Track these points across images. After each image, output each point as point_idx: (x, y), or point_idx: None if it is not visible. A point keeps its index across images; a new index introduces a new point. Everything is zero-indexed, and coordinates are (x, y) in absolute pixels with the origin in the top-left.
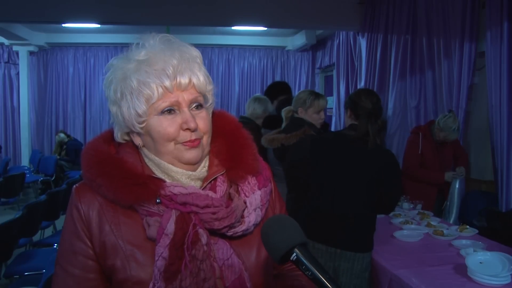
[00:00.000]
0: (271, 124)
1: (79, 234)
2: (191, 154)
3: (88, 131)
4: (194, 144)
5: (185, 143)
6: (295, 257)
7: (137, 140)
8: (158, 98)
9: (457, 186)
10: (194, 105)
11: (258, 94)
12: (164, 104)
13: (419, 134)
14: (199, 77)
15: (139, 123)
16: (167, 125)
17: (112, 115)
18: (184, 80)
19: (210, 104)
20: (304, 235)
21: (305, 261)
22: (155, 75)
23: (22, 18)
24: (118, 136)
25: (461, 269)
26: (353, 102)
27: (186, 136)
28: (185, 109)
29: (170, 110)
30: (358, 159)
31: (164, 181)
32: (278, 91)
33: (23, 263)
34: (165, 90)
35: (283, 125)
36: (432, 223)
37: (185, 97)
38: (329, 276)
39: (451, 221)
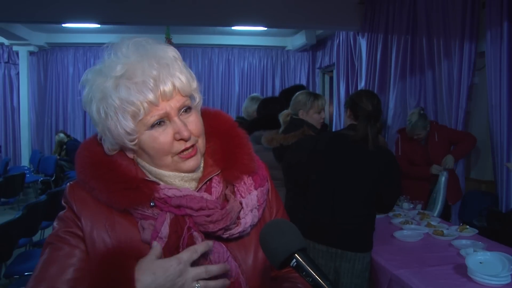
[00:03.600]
0: (268, 125)
1: (71, 226)
2: (189, 164)
3: (88, 131)
4: (191, 154)
5: (182, 156)
6: (295, 263)
7: (130, 155)
8: (145, 114)
9: (443, 178)
10: (182, 110)
11: (255, 93)
12: (153, 119)
13: (399, 135)
14: (181, 80)
15: (131, 141)
16: (161, 139)
17: (99, 132)
18: (167, 88)
19: (198, 103)
20: (303, 239)
21: (305, 267)
22: (137, 90)
23: (22, 18)
24: (109, 149)
25: (461, 269)
26: (354, 102)
27: (181, 145)
28: (175, 119)
29: (160, 122)
30: (358, 159)
31: (158, 184)
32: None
33: (23, 263)
34: (151, 104)
35: (282, 128)
36: (432, 223)
37: (172, 105)
38: (330, 282)
39: (435, 214)
